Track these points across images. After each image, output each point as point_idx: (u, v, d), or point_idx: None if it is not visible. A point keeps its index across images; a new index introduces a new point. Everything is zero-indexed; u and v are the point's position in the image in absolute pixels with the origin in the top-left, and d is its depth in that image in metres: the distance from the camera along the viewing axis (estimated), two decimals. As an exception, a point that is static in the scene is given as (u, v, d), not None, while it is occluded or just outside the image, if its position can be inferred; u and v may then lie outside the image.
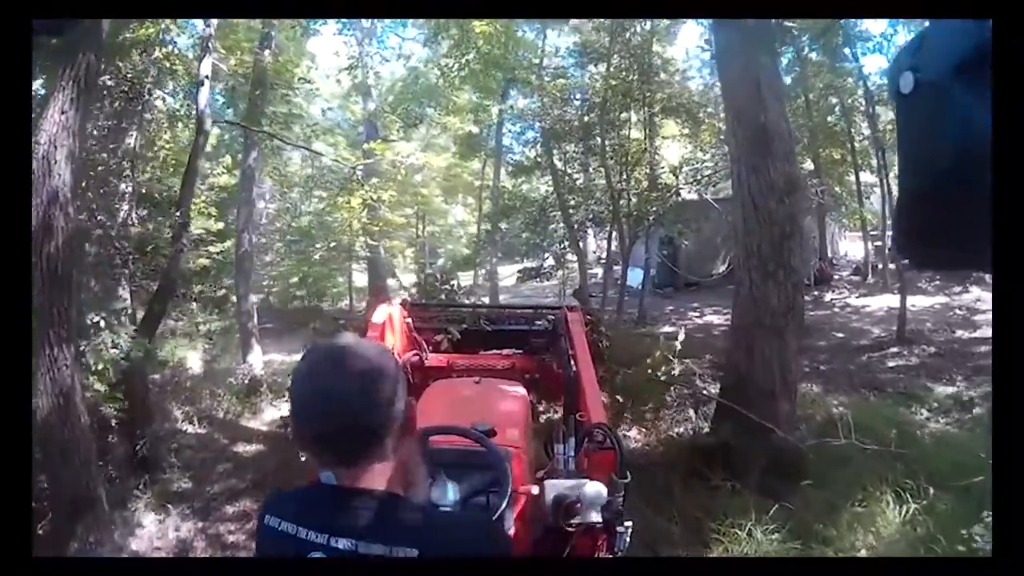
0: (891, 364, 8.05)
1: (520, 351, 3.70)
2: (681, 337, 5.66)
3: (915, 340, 8.67)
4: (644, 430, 5.67)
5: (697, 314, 12.24)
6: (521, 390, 2.83)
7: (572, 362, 2.83)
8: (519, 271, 15.99)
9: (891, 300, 10.71)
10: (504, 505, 1.68)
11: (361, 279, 16.30)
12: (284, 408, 6.45)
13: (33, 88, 4.79)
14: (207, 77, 6.31)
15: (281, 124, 10.42)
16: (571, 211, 11.48)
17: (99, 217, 5.55)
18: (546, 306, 4.67)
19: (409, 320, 3.68)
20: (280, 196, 15.31)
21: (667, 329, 10.37)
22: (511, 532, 1.75)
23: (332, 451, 0.89)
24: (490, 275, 15.74)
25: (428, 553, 0.83)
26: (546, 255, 13.45)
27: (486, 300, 14.06)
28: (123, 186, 6.13)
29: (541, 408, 4.11)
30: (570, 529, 1.66)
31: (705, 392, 6.14)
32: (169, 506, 4.65)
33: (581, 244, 13.65)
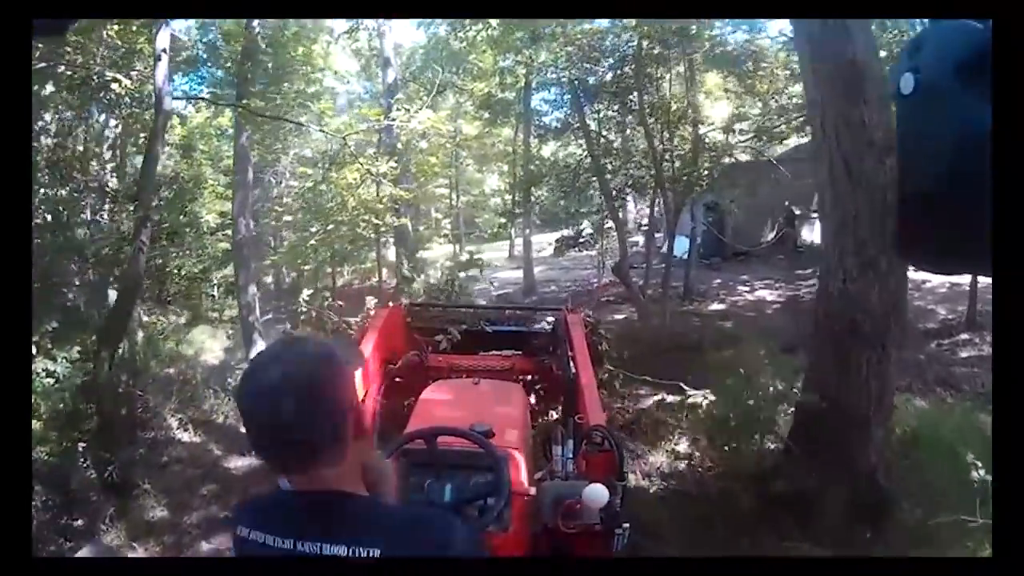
0: (963, 355, 6.90)
1: (520, 352, 3.70)
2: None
3: (987, 326, 7.21)
4: (696, 445, 4.58)
5: (747, 288, 11.13)
6: (520, 391, 2.83)
7: (571, 364, 2.83)
8: (556, 240, 15.00)
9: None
10: (502, 506, 1.67)
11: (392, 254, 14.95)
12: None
13: None
14: (164, 51, 5.61)
15: (302, 102, 10.22)
16: (608, 176, 10.17)
17: (56, 215, 5.10)
18: (546, 308, 4.61)
19: (409, 320, 3.69)
20: (297, 175, 14.63)
21: (716, 307, 9.80)
22: (510, 533, 1.75)
23: (274, 462, 0.88)
24: (524, 246, 14.38)
25: (391, 551, 0.83)
26: (583, 223, 12.60)
27: (519, 273, 13.73)
28: (87, 179, 5.63)
29: (540, 409, 4.09)
30: (568, 531, 1.66)
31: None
32: (135, 545, 4.03)
33: (621, 212, 12.61)
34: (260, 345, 9.06)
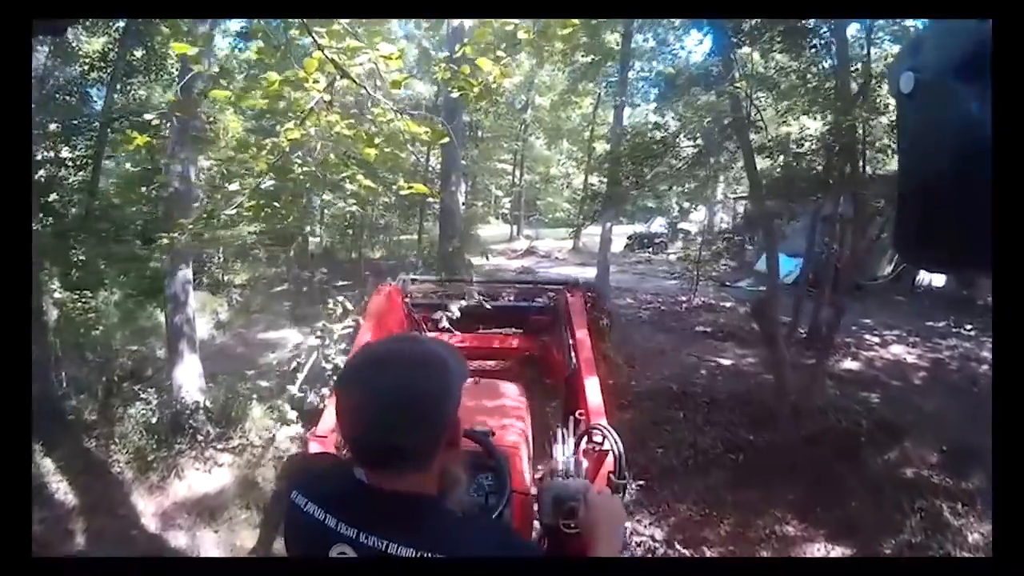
0: None
1: (520, 331, 3.60)
2: None
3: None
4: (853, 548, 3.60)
5: (876, 337, 8.60)
6: (520, 391, 2.83)
7: (573, 355, 2.72)
8: (628, 237, 13.60)
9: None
10: (503, 506, 1.67)
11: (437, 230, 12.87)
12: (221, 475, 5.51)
13: None
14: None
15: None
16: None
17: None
18: (547, 285, 4.27)
19: (407, 299, 3.55)
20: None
21: (851, 366, 7.40)
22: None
23: (365, 457, 0.88)
24: (602, 243, 10.90)
25: (457, 558, 0.82)
26: (653, 220, 10.69)
27: (587, 272, 11.16)
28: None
29: (539, 392, 4.02)
30: (568, 530, 1.66)
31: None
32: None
33: (691, 215, 11.24)
34: (193, 365, 6.48)
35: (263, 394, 6.32)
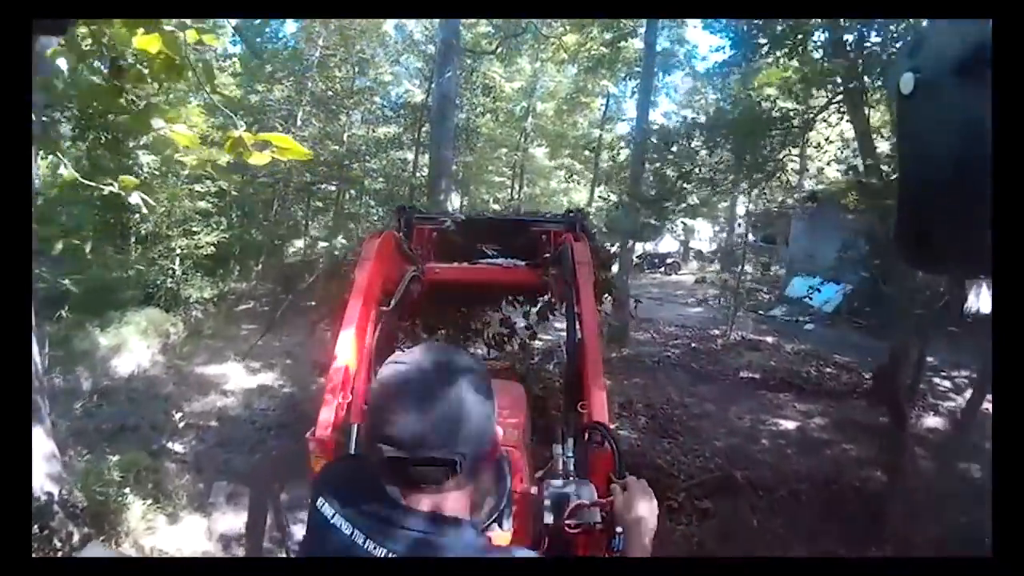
0: None
1: (523, 263, 3.35)
2: None
3: None
4: None
5: (946, 382, 7.08)
6: (520, 390, 2.82)
7: (577, 325, 2.39)
8: (637, 256, 11.87)
9: None
10: (503, 506, 1.67)
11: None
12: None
13: None
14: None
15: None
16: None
17: None
18: (551, 220, 3.79)
19: (401, 235, 3.20)
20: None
21: (932, 423, 5.77)
22: (510, 532, 1.75)
23: (403, 476, 0.83)
24: (623, 265, 8.43)
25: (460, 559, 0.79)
26: (662, 238, 8.45)
27: None
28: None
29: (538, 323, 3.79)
30: (569, 530, 1.66)
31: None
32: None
33: (694, 232, 10.09)
34: (42, 441, 3.84)
35: (157, 471, 4.28)
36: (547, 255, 3.29)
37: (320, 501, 0.88)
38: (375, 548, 0.80)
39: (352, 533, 0.83)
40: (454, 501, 0.84)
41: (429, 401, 0.80)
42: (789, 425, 5.70)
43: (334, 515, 0.85)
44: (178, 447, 4.82)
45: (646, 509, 1.19)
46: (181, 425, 5.07)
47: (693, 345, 8.51)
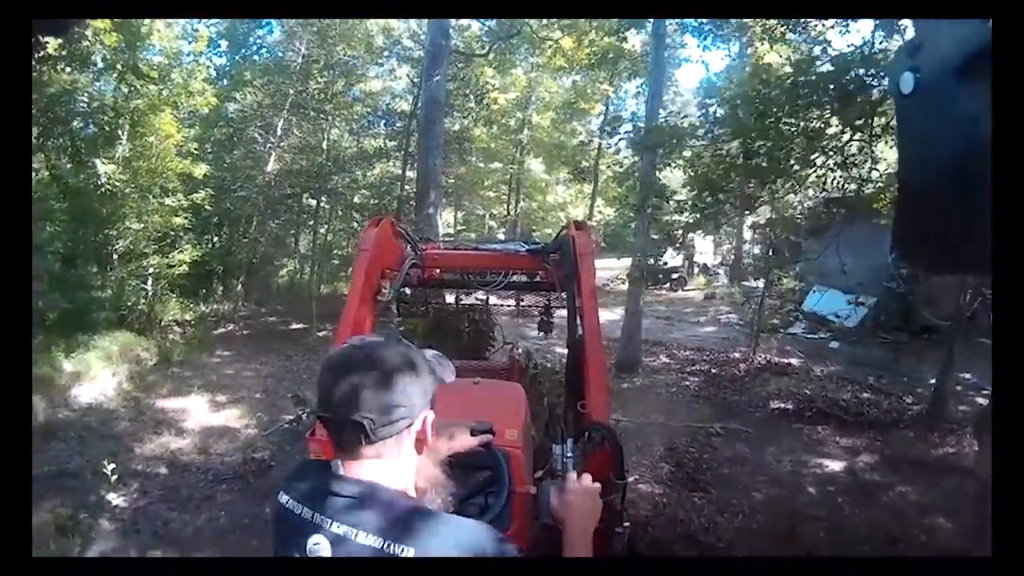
0: None
1: (523, 248, 3.24)
2: None
3: None
4: None
5: (986, 400, 6.04)
6: (520, 391, 2.82)
7: (579, 320, 2.33)
8: (639, 271, 11.94)
9: None
10: (503, 505, 1.67)
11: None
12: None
13: None
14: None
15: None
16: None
17: None
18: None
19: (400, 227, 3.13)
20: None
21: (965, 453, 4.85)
22: (510, 532, 1.74)
23: (331, 437, 0.92)
24: (631, 302, 7.88)
25: (425, 554, 0.83)
26: (662, 251, 7.19)
27: (609, 315, 8.32)
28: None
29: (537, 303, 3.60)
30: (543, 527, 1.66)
31: None
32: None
33: (694, 244, 9.14)
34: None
35: (89, 530, 3.78)
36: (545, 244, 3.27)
37: (279, 493, 0.95)
38: (314, 516, 0.87)
39: (300, 512, 0.90)
40: (389, 474, 0.89)
41: (353, 372, 0.88)
42: (835, 466, 4.97)
43: (288, 500, 0.93)
44: (119, 500, 4.21)
45: (583, 507, 1.21)
46: (122, 475, 4.44)
47: (712, 371, 7.64)
